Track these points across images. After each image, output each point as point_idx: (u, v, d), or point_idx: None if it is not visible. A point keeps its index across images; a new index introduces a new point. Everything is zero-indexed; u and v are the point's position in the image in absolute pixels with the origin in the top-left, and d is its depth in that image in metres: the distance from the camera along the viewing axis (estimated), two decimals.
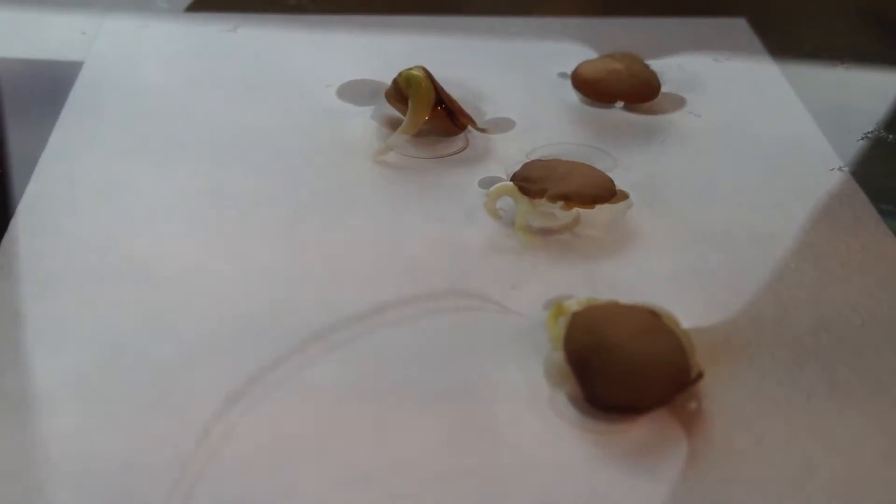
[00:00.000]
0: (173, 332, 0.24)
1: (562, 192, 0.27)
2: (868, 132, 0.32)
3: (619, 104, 0.33)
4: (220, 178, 0.29)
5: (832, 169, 0.30)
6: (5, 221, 0.27)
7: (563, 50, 0.37)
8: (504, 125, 0.32)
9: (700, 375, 0.22)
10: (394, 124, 0.31)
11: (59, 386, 0.22)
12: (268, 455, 0.21)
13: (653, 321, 0.23)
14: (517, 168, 0.29)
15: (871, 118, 0.33)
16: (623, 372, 0.22)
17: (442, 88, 0.31)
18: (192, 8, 0.39)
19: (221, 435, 0.21)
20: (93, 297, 0.25)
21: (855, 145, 0.32)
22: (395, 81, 0.31)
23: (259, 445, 0.21)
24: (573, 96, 0.34)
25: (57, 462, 0.21)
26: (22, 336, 0.24)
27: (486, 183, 0.29)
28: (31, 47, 0.36)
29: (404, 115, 0.31)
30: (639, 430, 0.22)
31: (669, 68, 0.35)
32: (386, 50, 0.36)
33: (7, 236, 0.27)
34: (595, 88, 0.33)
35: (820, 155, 0.31)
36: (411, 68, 0.31)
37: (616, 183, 0.28)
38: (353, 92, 0.33)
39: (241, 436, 0.21)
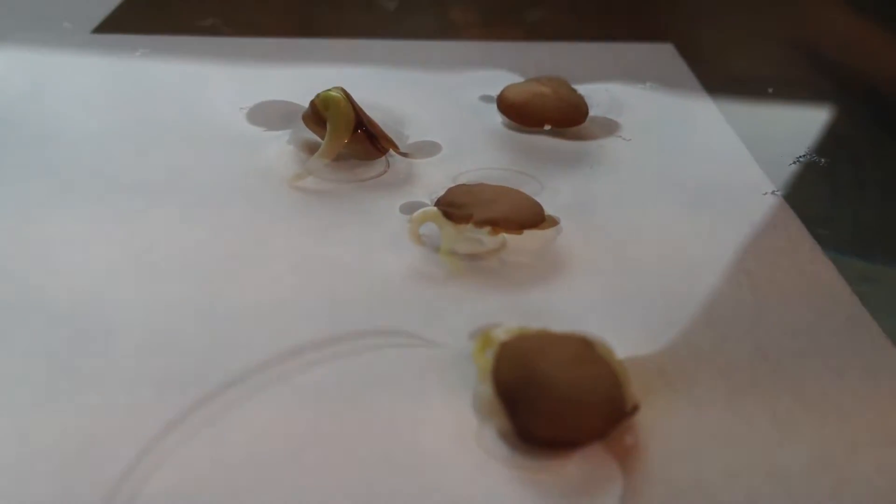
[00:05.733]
0: (72, 368, 0.22)
1: (488, 217, 0.26)
2: (800, 157, 0.32)
3: (547, 128, 0.32)
4: (124, 206, 0.27)
5: (765, 193, 0.30)
6: None
7: (487, 75, 0.36)
8: (427, 149, 0.31)
9: (636, 408, 0.21)
10: (311, 148, 0.30)
11: None
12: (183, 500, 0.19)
13: (585, 350, 0.22)
14: (441, 193, 0.27)
15: (801, 143, 0.33)
16: (555, 405, 0.21)
17: (362, 110, 0.29)
18: (99, 29, 0.37)
19: (132, 480, 0.19)
20: None
21: (787, 170, 0.31)
22: (312, 103, 0.30)
23: (174, 490, 0.19)
24: (499, 120, 0.33)
25: None
26: None
27: (409, 208, 0.28)
28: None
29: (322, 138, 0.29)
30: (572, 466, 0.20)
31: (597, 93, 0.34)
32: (304, 73, 0.35)
33: None
34: (521, 112, 0.32)
35: (752, 180, 0.30)
36: (330, 89, 0.29)
37: (544, 208, 0.27)
38: (268, 115, 0.32)
39: (154, 483, 0.19)
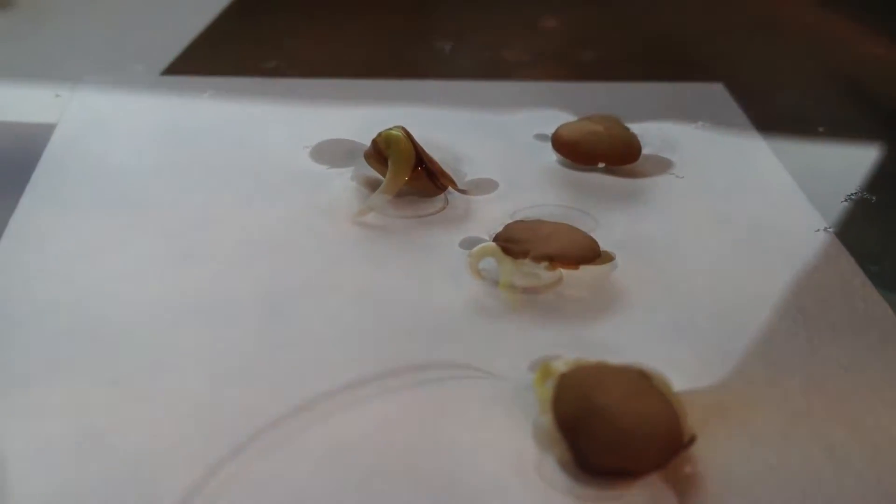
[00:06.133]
0: (145, 398, 0.23)
1: (546, 252, 0.27)
2: (851, 194, 0.32)
3: (600, 166, 0.33)
4: (193, 241, 0.29)
5: (817, 231, 0.30)
6: None
7: (541, 114, 0.36)
8: (485, 187, 0.32)
9: (693, 439, 0.22)
10: (373, 185, 0.31)
11: (26, 452, 0.21)
12: None
13: (643, 383, 0.22)
14: (499, 229, 0.28)
15: (852, 181, 0.33)
16: (614, 435, 0.21)
17: (422, 148, 0.30)
18: (168, 71, 0.39)
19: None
20: (64, 361, 0.24)
21: (838, 207, 0.31)
22: (374, 142, 0.31)
23: None
24: (553, 158, 0.33)
25: None
26: None
27: (468, 244, 0.28)
28: (4, 109, 0.36)
29: (384, 175, 0.30)
30: (631, 495, 0.21)
31: (649, 131, 0.35)
32: (364, 113, 0.36)
33: None
34: (576, 150, 0.33)
35: (804, 217, 0.31)
36: (391, 128, 0.30)
37: (599, 244, 0.28)
38: (331, 153, 0.33)
39: None
